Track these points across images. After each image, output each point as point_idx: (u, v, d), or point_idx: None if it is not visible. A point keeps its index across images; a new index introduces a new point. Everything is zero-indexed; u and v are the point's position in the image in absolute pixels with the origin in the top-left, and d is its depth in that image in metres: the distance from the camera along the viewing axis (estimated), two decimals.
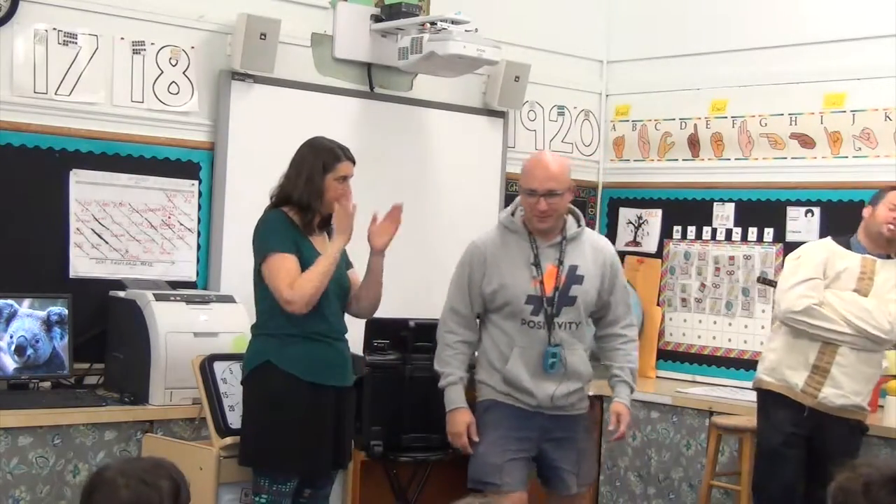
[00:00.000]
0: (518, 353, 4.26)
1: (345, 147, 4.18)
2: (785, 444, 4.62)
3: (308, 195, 4.10)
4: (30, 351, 4.49)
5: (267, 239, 4.09)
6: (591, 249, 4.36)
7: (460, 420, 4.29)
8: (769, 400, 4.69)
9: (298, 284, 4.02)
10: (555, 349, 4.25)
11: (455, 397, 4.32)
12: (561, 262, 4.28)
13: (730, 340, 5.98)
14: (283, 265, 4.03)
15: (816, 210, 5.64)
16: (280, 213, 4.13)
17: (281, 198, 4.16)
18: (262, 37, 5.01)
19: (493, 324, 4.33)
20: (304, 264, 4.07)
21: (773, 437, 4.65)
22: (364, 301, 4.29)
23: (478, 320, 4.42)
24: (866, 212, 4.70)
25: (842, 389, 4.56)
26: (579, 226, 4.37)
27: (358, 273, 4.31)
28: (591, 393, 5.62)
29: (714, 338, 6.06)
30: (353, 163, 4.20)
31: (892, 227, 4.62)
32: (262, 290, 4.14)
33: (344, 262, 4.22)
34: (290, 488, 4.11)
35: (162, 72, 4.96)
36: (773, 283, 5.76)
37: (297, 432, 4.05)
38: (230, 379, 4.32)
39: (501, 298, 4.27)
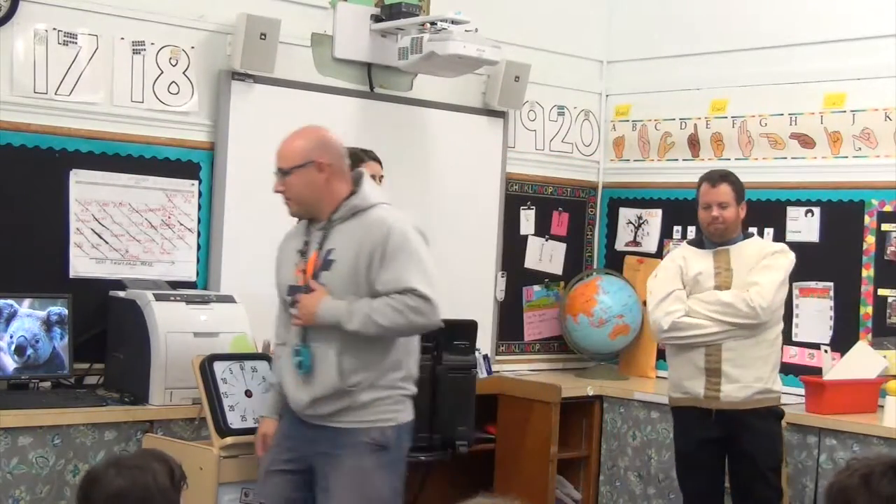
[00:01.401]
0: (287, 352, 3.84)
1: (368, 150, 4.33)
2: (698, 449, 4.71)
3: None
4: (30, 351, 4.49)
5: None
6: (358, 229, 3.69)
7: (259, 430, 3.98)
8: (679, 414, 4.80)
9: None
10: (301, 347, 3.73)
11: (265, 404, 4.05)
12: (321, 247, 3.74)
13: None
14: None
15: (816, 210, 5.63)
16: None
17: None
18: (262, 37, 5.01)
19: None
20: None
21: (687, 445, 4.76)
22: None
23: None
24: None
25: (740, 382, 4.61)
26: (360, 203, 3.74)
27: None
28: (591, 393, 5.69)
29: None
30: (379, 162, 4.53)
31: (712, 225, 4.72)
32: None
33: None
34: None
35: (162, 72, 4.96)
36: None
37: None
38: (230, 379, 4.31)
39: (278, 291, 3.92)
